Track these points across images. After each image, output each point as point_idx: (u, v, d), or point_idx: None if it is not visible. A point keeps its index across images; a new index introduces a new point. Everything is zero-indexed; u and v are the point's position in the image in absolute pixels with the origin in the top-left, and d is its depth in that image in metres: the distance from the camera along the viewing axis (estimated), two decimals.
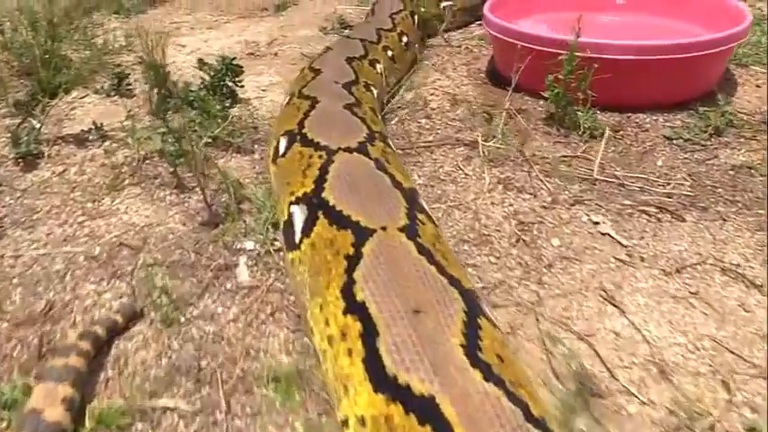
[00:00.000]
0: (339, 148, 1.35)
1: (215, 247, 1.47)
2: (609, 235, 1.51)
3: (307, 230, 1.20)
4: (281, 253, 1.39)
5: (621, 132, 1.98)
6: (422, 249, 1.06)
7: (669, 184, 1.71)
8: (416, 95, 2.27)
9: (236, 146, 1.92)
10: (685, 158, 1.84)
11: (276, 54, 2.84)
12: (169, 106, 2.19)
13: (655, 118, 2.07)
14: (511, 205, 1.62)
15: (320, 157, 1.35)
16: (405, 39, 2.45)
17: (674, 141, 1.93)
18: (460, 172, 1.78)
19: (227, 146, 1.93)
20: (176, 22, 3.50)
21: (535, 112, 2.12)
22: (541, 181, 1.72)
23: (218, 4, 3.87)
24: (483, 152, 1.85)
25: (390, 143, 1.53)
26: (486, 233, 1.52)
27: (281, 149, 1.52)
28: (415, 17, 2.69)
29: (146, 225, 1.56)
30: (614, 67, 1.96)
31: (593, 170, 1.77)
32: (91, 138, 2.00)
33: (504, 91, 2.30)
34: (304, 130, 1.48)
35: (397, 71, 2.32)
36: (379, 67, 2.07)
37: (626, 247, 1.47)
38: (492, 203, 1.63)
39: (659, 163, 1.82)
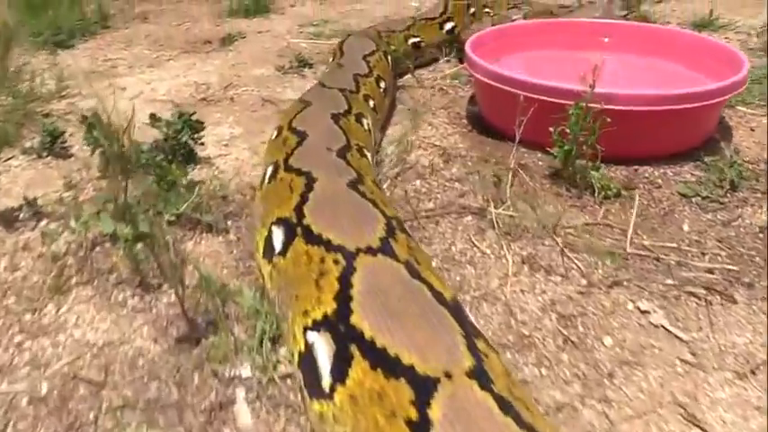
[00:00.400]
0: (358, 250, 1.08)
1: (201, 375, 1.15)
2: (663, 327, 1.30)
3: (340, 373, 0.92)
4: (299, 394, 1.09)
5: (635, 191, 1.79)
6: (502, 404, 0.80)
7: (704, 254, 1.53)
8: (401, 150, 2.01)
9: (205, 224, 1.60)
10: (710, 221, 1.67)
11: (232, 99, 2.52)
12: (117, 172, 1.84)
13: (662, 171, 1.90)
14: (544, 292, 1.39)
15: (336, 261, 1.07)
16: (382, 84, 2.20)
17: (692, 200, 1.76)
18: (476, 249, 1.53)
19: (193, 224, 1.60)
20: (111, 59, 3.11)
21: (537, 168, 1.91)
22: (568, 258, 1.50)
23: (155, 38, 3.51)
24: (496, 223, 1.61)
25: (409, 232, 1.26)
26: (526, 333, 1.27)
27: (277, 244, 1.23)
28: (389, 57, 2.45)
29: (105, 344, 1.22)
30: (623, 118, 1.78)
31: (619, 240, 1.57)
32: (22, 217, 1.63)
33: (496, 141, 2.09)
34: (306, 221, 1.19)
35: (378, 122, 2.06)
36: (366, 123, 1.80)
37: (686, 342, 1.26)
38: (522, 290, 1.39)
39: (686, 228, 1.64)
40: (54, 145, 2.01)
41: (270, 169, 1.49)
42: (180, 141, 1.85)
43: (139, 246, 1.37)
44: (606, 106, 1.75)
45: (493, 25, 2.98)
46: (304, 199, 1.26)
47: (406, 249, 1.12)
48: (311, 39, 3.42)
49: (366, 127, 1.79)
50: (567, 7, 3.17)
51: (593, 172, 1.76)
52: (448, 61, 3.00)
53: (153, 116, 1.87)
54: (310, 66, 2.91)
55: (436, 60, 2.98)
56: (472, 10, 3.15)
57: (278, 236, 1.24)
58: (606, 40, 2.47)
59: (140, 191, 1.62)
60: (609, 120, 1.71)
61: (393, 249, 1.09)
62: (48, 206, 1.70)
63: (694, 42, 2.36)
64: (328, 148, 1.47)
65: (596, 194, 1.74)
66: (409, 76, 2.72)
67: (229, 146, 2.09)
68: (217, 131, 2.19)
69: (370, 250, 1.08)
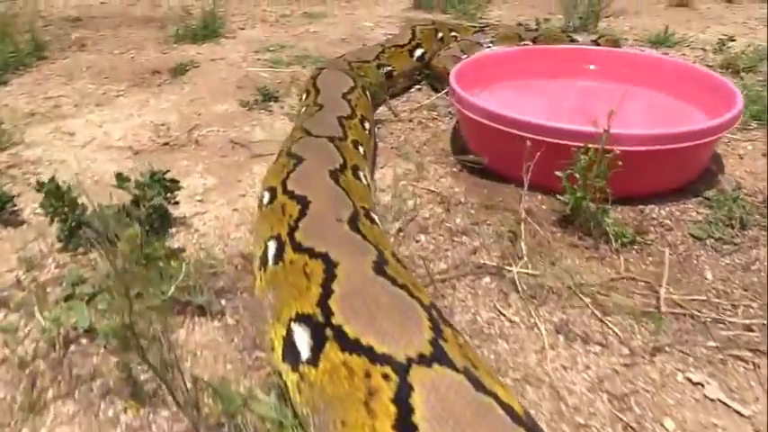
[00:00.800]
0: (410, 360, 0.91)
1: None
2: (720, 401, 1.20)
3: None
4: None
5: (648, 235, 1.70)
6: None
7: (735, 306, 1.44)
8: (396, 198, 1.86)
9: (195, 306, 1.39)
10: (729, 265, 1.60)
11: (198, 142, 2.29)
12: (81, 242, 1.61)
13: (669, 210, 1.82)
14: (588, 367, 1.26)
15: (386, 377, 0.90)
16: (367, 125, 2.04)
17: (706, 242, 1.68)
18: (503, 319, 1.39)
19: (182, 306, 1.40)
20: (53, 96, 2.81)
21: (543, 214, 1.79)
22: (602, 322, 1.38)
23: (98, 69, 3.22)
24: (519, 285, 1.48)
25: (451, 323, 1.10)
26: (581, 421, 1.14)
27: (302, 349, 1.05)
28: (367, 93, 2.29)
29: None
30: (628, 158, 1.69)
31: (646, 295, 1.47)
32: None
33: (493, 183, 1.97)
34: (336, 321, 1.01)
35: (371, 171, 1.89)
36: (363, 176, 1.64)
37: (748, 418, 1.16)
38: (563, 367, 1.26)
39: (709, 276, 1.55)
40: (2, 211, 1.75)
41: (272, 246, 1.30)
42: (153, 205, 1.62)
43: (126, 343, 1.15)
44: (617, 147, 1.66)
45: (462, 51, 2.87)
46: (327, 289, 1.08)
47: (458, 350, 0.97)
48: (271, 67, 3.22)
49: (365, 182, 1.62)
50: (533, 30, 3.10)
51: (606, 219, 1.66)
52: (420, 89, 2.87)
53: (120, 176, 1.64)
54: (276, 99, 2.71)
55: (408, 89, 2.84)
56: (440, 35, 3.03)
57: (302, 337, 1.06)
58: (592, 67, 2.39)
59: (112, 268, 1.39)
60: (615, 158, 1.61)
61: (447, 354, 0.94)
62: (3, 291, 1.45)
63: (680, 70, 2.31)
64: (338, 219, 1.29)
65: (612, 242, 1.64)
66: (383, 107, 2.57)
67: (205, 201, 1.88)
68: (188, 183, 1.97)
69: (422, 359, 0.92)
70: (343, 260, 1.14)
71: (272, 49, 3.57)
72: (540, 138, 1.73)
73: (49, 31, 3.87)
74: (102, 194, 1.67)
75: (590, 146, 1.63)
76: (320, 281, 1.11)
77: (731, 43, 3.53)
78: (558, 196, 1.71)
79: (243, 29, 4.13)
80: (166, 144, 2.27)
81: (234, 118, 2.52)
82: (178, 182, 1.67)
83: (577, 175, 1.67)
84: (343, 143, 1.74)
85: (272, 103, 2.68)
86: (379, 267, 1.13)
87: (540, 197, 1.87)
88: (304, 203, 1.36)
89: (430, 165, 2.11)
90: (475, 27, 3.19)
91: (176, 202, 1.71)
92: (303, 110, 2.13)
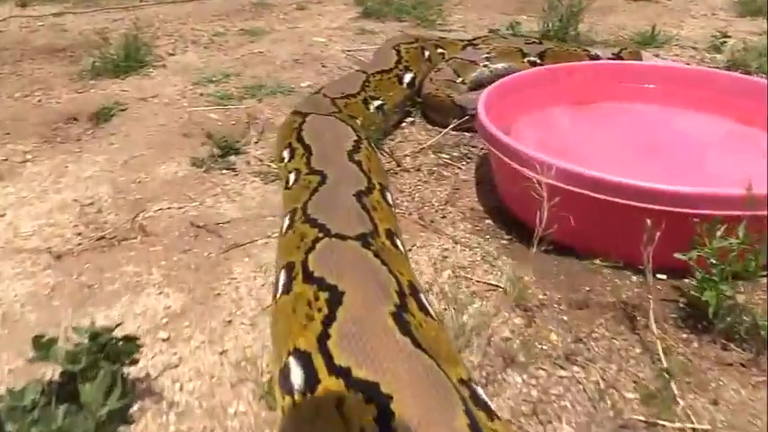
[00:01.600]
0: None
1: None
2: None
3: None
4: None
5: None
6: None
7: None
8: (449, 300, 1.29)
9: None
10: None
11: (145, 230, 1.62)
12: None
13: None
14: None
15: None
16: (388, 196, 1.45)
17: None
18: None
19: None
20: None
21: (642, 305, 1.26)
22: None
23: None
24: None
25: None
26: None
27: None
28: (373, 145, 1.69)
29: None
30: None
31: None
32: None
33: (559, 257, 1.43)
34: None
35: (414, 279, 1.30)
36: (427, 305, 1.05)
37: None
38: None
39: None
40: None
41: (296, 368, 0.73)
42: (98, 378, 0.98)
43: None
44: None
45: (455, 73, 2.33)
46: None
47: None
48: (219, 104, 2.54)
49: (401, 278, 1.04)
50: (535, 43, 2.57)
51: (761, 321, 1.15)
52: (412, 122, 2.30)
53: (37, 342, 0.98)
54: (236, 151, 2.07)
55: (399, 124, 2.26)
56: (426, 54, 2.46)
57: None
58: (652, 86, 1.87)
59: None
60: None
61: None
62: None
63: (740, 86, 1.84)
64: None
65: None
66: (380, 153, 1.98)
67: (173, 340, 1.23)
68: (141, 305, 1.33)
69: None
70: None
71: (214, 79, 2.88)
72: (659, 207, 1.21)
73: None
74: (10, 360, 1.01)
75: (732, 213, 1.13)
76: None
77: (726, 40, 3.16)
78: (672, 280, 1.20)
79: (173, 54, 3.41)
80: (102, 238, 1.59)
81: (188, 185, 1.86)
82: (136, 340, 1.02)
83: (712, 259, 1.16)
84: (376, 240, 1.15)
85: (233, 158, 2.03)
86: None
87: (633, 278, 1.36)
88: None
89: (468, 238, 1.55)
90: (462, 41, 2.64)
91: (135, 360, 1.07)
92: (291, 179, 1.51)
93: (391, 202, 1.43)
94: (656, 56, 2.77)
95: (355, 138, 1.58)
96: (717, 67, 2.91)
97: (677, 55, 3.16)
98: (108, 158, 2.07)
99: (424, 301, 1.04)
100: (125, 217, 1.68)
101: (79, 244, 1.57)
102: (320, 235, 1.13)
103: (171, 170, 1.96)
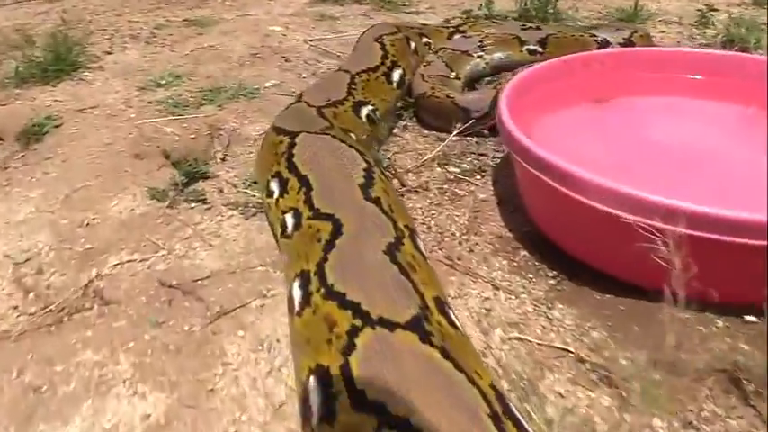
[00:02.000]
0: None
1: None
2: None
3: None
4: None
5: None
6: None
7: None
8: (504, 374, 1.00)
9: None
10: None
11: (102, 297, 1.26)
12: None
13: None
14: None
15: None
16: (419, 243, 1.14)
17: None
18: None
19: None
20: None
21: (744, 362, 1.02)
22: None
23: None
24: None
25: None
26: None
27: None
28: (383, 172, 1.37)
29: None
30: None
31: None
32: None
33: (625, 299, 1.16)
34: None
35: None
36: (477, 376, 0.77)
37: None
38: None
39: None
40: None
41: None
42: None
43: None
44: None
45: (448, 67, 2.03)
46: None
47: None
48: (173, 113, 2.15)
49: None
50: (533, 28, 2.27)
51: None
52: (405, 127, 1.98)
53: None
54: (204, 175, 1.71)
55: (391, 130, 1.94)
56: (412, 45, 2.14)
57: None
58: (699, 77, 1.60)
59: None
60: None
61: None
62: None
63: None
64: None
65: None
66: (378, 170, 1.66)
67: None
68: (109, 414, 0.99)
69: None
70: None
71: (163, 81, 2.48)
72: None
73: None
74: None
75: None
76: None
77: (713, 14, 2.96)
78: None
79: (110, 53, 2.95)
80: (46, 311, 1.22)
81: (150, 227, 1.50)
82: None
83: None
84: (432, 322, 0.85)
85: (201, 184, 1.67)
86: None
87: (719, 323, 1.11)
88: None
89: (503, 276, 1.26)
90: (448, 28, 2.32)
91: None
92: (289, 223, 1.18)
93: (424, 252, 1.13)
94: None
95: (364, 165, 1.26)
96: (708, 45, 2.72)
97: (663, 32, 2.95)
98: (44, 193, 1.68)
99: (515, 411, 0.76)
100: (74, 277, 1.31)
101: (17, 324, 1.20)
102: (358, 323, 0.82)
103: (126, 206, 1.59)
